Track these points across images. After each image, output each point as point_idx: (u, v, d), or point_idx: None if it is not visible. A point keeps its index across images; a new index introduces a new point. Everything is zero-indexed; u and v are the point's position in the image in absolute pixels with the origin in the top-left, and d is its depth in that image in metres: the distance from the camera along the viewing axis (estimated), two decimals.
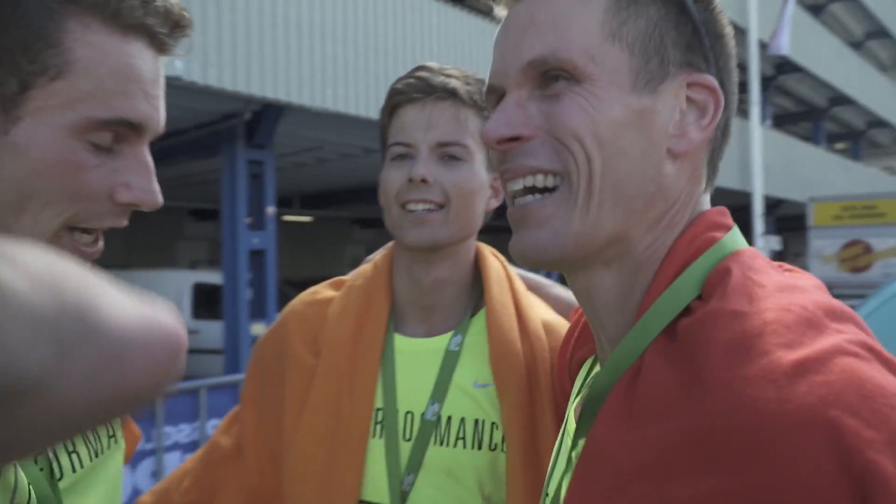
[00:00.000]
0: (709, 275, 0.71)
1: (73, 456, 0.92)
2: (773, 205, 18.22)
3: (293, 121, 8.50)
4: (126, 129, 0.83)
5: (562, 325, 1.36)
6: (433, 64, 1.34)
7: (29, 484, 0.82)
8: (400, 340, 1.32)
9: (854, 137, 30.00)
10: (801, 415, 0.53)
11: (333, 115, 8.51)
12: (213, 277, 11.24)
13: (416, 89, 1.28)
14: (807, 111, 25.75)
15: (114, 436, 1.03)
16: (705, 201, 0.81)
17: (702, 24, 0.77)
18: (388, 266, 1.38)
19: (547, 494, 0.86)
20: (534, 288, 1.45)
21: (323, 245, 21.23)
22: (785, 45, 13.30)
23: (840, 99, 23.99)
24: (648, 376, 0.67)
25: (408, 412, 1.27)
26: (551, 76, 0.75)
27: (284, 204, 14.77)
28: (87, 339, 0.47)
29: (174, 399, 4.86)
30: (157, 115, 0.86)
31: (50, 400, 0.45)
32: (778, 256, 15.50)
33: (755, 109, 15.47)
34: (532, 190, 0.77)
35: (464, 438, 1.25)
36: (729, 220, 0.79)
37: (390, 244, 1.43)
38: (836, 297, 0.69)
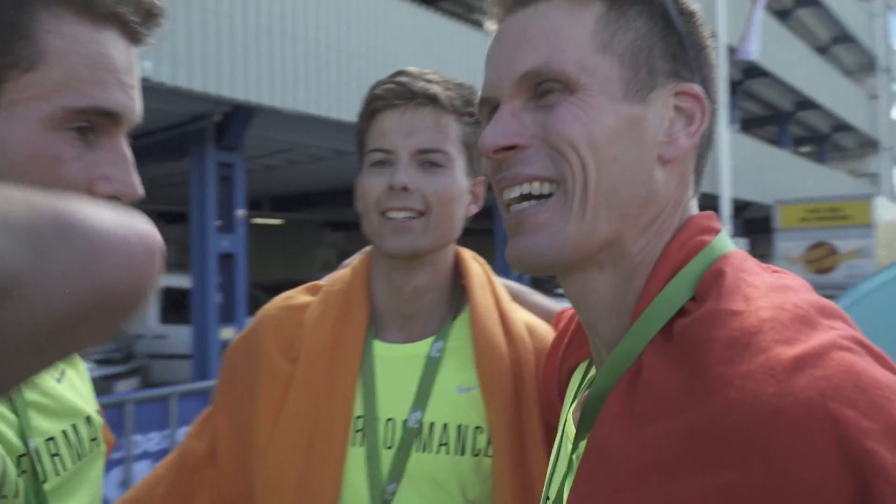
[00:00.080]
0: (702, 277, 0.73)
1: (56, 459, 0.94)
2: (740, 207, 18.47)
3: (264, 122, 8.45)
4: (103, 119, 0.82)
5: (544, 327, 1.37)
6: (413, 69, 1.31)
7: (18, 476, 0.83)
8: (379, 346, 1.31)
9: (819, 141, 30.54)
10: (802, 408, 0.55)
11: (304, 117, 8.47)
12: (181, 281, 11.11)
13: (396, 95, 1.26)
14: (773, 115, 26.18)
15: (95, 439, 1.04)
16: (693, 206, 0.84)
17: (686, 35, 0.80)
18: (366, 271, 1.36)
19: (548, 498, 0.88)
20: (514, 295, 1.45)
21: (293, 248, 21.12)
22: (754, 51, 13.47)
23: (806, 103, 24.43)
24: (648, 376, 0.69)
25: (389, 419, 1.25)
26: (545, 87, 0.78)
27: (254, 206, 14.67)
28: (63, 239, 0.49)
29: (143, 407, 4.78)
30: (133, 104, 0.85)
31: (30, 299, 0.47)
32: None
33: (723, 113, 15.66)
34: (528, 197, 0.79)
35: (447, 444, 1.24)
36: (717, 223, 0.81)
37: (367, 249, 1.41)
38: None
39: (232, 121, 8.05)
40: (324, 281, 1.43)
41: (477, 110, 1.27)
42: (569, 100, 0.76)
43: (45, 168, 0.78)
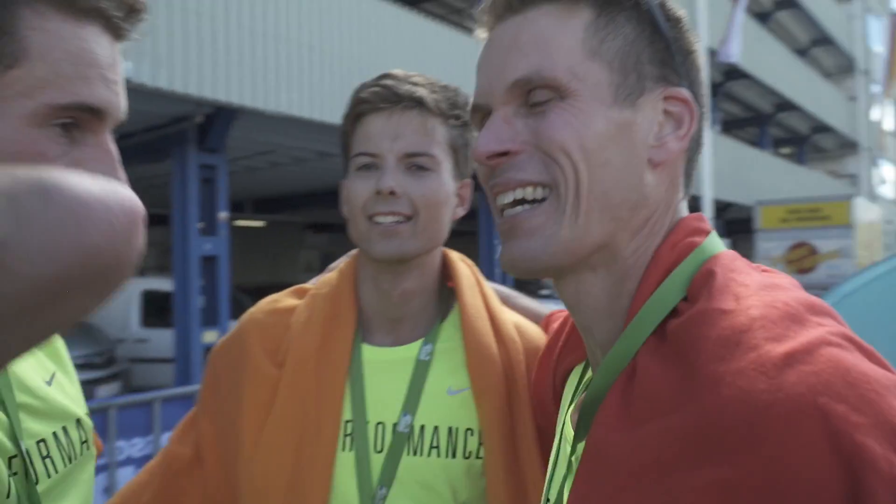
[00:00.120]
0: (693, 278, 0.75)
1: (48, 461, 0.94)
2: (721, 208, 18.58)
3: (246, 124, 8.40)
4: (87, 116, 0.81)
5: (533, 328, 1.38)
6: (398, 71, 1.30)
7: (10, 476, 0.83)
8: (368, 350, 1.30)
9: (799, 142, 30.80)
10: (793, 403, 0.56)
11: (287, 119, 8.43)
12: (162, 284, 11.03)
13: (382, 98, 1.25)
14: (754, 117, 26.37)
15: (86, 441, 1.04)
16: (683, 208, 0.86)
17: (673, 41, 0.82)
18: (353, 274, 1.35)
19: (548, 500, 0.89)
20: (502, 299, 1.45)
21: (276, 250, 21.02)
22: (735, 53, 13.55)
23: (785, 105, 24.62)
24: (643, 376, 0.70)
25: (379, 423, 1.25)
26: (536, 94, 0.79)
27: (236, 208, 14.60)
28: (44, 206, 0.49)
29: (127, 412, 4.73)
30: (118, 100, 0.85)
31: (12, 267, 0.47)
32: None
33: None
34: (521, 202, 0.81)
35: (437, 447, 1.24)
36: (707, 225, 0.83)
37: (353, 252, 1.40)
38: None
39: (214, 122, 7.99)
40: (310, 284, 1.42)
41: (463, 113, 1.28)
42: (560, 106, 0.78)
43: (30, 165, 0.77)
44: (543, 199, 0.79)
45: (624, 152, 0.78)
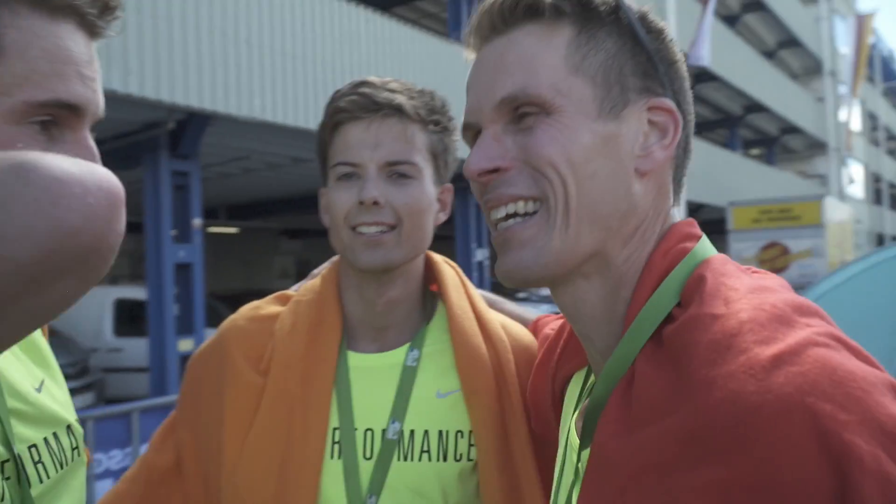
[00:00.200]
0: (686, 283, 0.77)
1: (39, 466, 0.94)
2: (694, 209, 18.77)
3: (219, 130, 8.34)
4: (65, 113, 0.81)
5: (518, 326, 1.38)
6: (374, 78, 1.29)
7: (3, 481, 0.84)
8: (353, 357, 1.29)
9: (768, 143, 31.24)
10: (781, 404, 0.58)
11: (260, 124, 8.38)
12: (135, 293, 10.90)
13: (360, 107, 1.24)
14: (723, 119, 26.69)
15: (77, 448, 1.04)
16: (674, 214, 0.88)
17: (654, 52, 0.84)
18: (336, 281, 1.34)
19: None
20: (489, 303, 1.44)
21: (250, 256, 20.90)
22: (705, 56, 13.66)
23: (754, 106, 24.95)
24: (641, 382, 0.72)
25: (367, 430, 1.23)
26: (523, 111, 0.82)
27: (210, 215, 14.47)
28: (21, 187, 0.48)
29: (104, 423, 4.67)
30: (96, 97, 0.85)
31: None
32: None
33: None
34: (514, 216, 0.83)
35: (428, 451, 1.23)
36: (697, 230, 0.85)
37: (335, 258, 1.38)
38: None
39: (186, 128, 7.93)
40: (292, 290, 1.40)
41: (441, 117, 1.28)
42: (546, 122, 0.80)
43: None
44: (535, 213, 0.82)
45: (610, 164, 0.80)
